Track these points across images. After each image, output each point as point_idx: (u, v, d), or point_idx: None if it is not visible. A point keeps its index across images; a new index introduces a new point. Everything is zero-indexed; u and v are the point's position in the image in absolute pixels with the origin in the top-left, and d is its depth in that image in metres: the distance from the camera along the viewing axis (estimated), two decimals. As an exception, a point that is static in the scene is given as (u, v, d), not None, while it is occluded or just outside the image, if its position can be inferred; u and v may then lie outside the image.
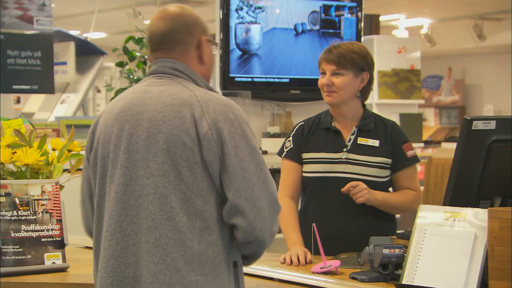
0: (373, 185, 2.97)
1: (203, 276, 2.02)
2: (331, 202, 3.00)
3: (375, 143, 3.03)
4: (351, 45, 3.05)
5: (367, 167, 3.00)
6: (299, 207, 3.13)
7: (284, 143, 3.14)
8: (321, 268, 2.58)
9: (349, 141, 3.04)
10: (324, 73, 3.03)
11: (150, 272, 2.01)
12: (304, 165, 3.07)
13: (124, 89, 4.78)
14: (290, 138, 3.11)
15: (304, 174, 3.07)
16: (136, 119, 2.08)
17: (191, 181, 2.02)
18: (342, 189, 2.92)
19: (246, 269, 2.29)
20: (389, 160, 3.03)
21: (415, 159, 3.07)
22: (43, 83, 5.49)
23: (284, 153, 3.11)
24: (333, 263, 2.58)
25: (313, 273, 2.58)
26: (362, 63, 3.01)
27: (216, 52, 2.30)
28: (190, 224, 2.01)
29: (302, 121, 3.15)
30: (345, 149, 3.03)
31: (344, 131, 3.06)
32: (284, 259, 2.78)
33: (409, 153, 3.05)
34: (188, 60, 2.18)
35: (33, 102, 7.49)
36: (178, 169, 2.01)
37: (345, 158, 3.01)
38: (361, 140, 3.04)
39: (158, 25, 2.18)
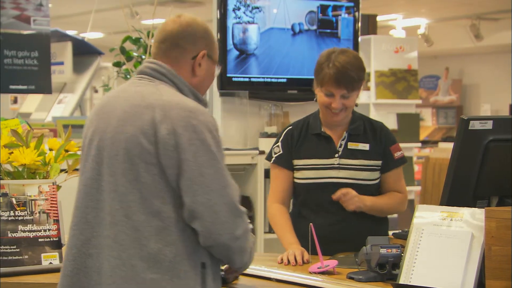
0: (365, 188, 2.99)
1: (160, 274, 2.05)
2: (324, 208, 3.01)
3: (366, 146, 3.04)
4: (353, 59, 2.95)
5: (360, 171, 3.01)
6: (290, 210, 3.13)
7: (272, 148, 3.10)
8: (318, 268, 2.58)
9: (340, 147, 3.03)
10: (330, 94, 2.95)
11: (110, 266, 2.07)
12: (296, 171, 3.05)
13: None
14: (279, 144, 3.08)
15: (296, 181, 3.06)
16: (108, 117, 2.17)
17: (148, 182, 2.07)
18: (333, 197, 2.94)
19: (243, 269, 2.30)
20: (379, 162, 3.04)
21: (402, 160, 3.08)
22: (40, 83, 5.46)
23: (273, 158, 3.08)
24: (330, 263, 2.58)
25: (310, 273, 2.58)
26: (364, 77, 3.01)
27: (217, 73, 2.35)
28: (147, 224, 2.06)
29: (290, 125, 3.12)
30: (336, 155, 3.02)
31: (334, 136, 3.05)
32: (282, 259, 2.78)
33: (397, 154, 3.06)
34: (178, 66, 2.23)
35: (30, 102, 7.47)
36: (137, 169, 2.07)
37: (337, 164, 3.01)
38: (352, 145, 3.03)
39: (167, 26, 2.26)
